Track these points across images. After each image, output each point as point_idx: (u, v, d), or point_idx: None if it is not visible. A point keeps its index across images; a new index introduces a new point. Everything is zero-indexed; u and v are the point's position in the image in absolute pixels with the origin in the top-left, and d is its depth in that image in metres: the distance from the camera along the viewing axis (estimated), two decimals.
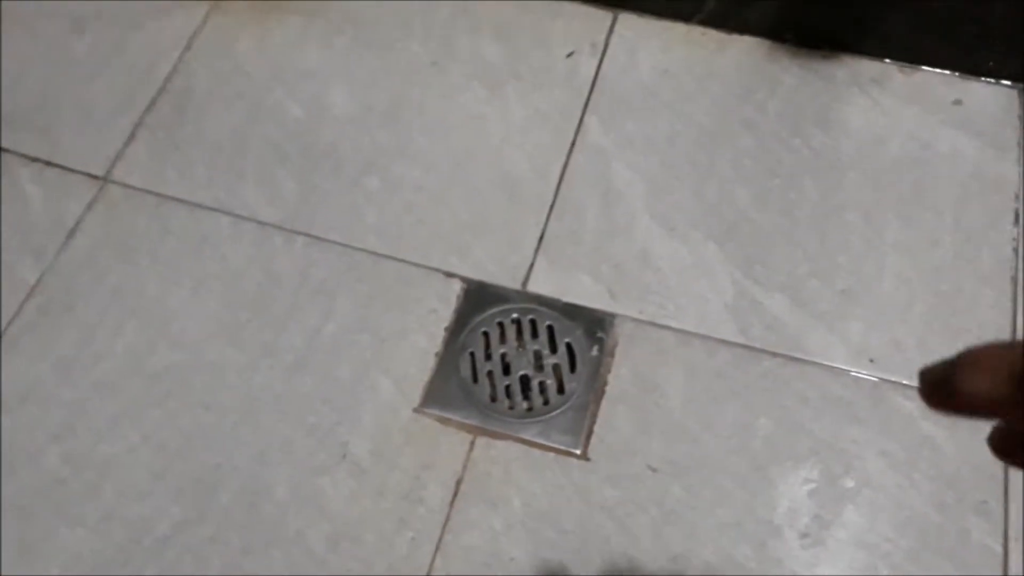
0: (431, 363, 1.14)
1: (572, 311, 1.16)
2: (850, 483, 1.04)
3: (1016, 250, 1.17)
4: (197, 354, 1.15)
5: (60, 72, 1.38)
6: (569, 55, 1.36)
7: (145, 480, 1.08)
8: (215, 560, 1.03)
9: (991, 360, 0.25)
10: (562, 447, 1.07)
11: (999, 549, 1.00)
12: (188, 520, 1.05)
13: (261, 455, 1.09)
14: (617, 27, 1.38)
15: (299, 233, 1.23)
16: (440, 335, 1.15)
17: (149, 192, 1.27)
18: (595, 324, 1.15)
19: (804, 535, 1.01)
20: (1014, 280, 1.15)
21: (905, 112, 1.28)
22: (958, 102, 1.29)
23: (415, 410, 1.10)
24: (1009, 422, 0.27)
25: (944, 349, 1.06)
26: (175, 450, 1.09)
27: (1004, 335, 1.12)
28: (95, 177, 1.29)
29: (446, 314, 1.17)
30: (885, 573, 0.99)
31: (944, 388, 0.27)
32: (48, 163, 1.30)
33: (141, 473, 1.08)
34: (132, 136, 1.32)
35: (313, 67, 1.38)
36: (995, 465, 1.03)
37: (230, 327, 1.17)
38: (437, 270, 1.20)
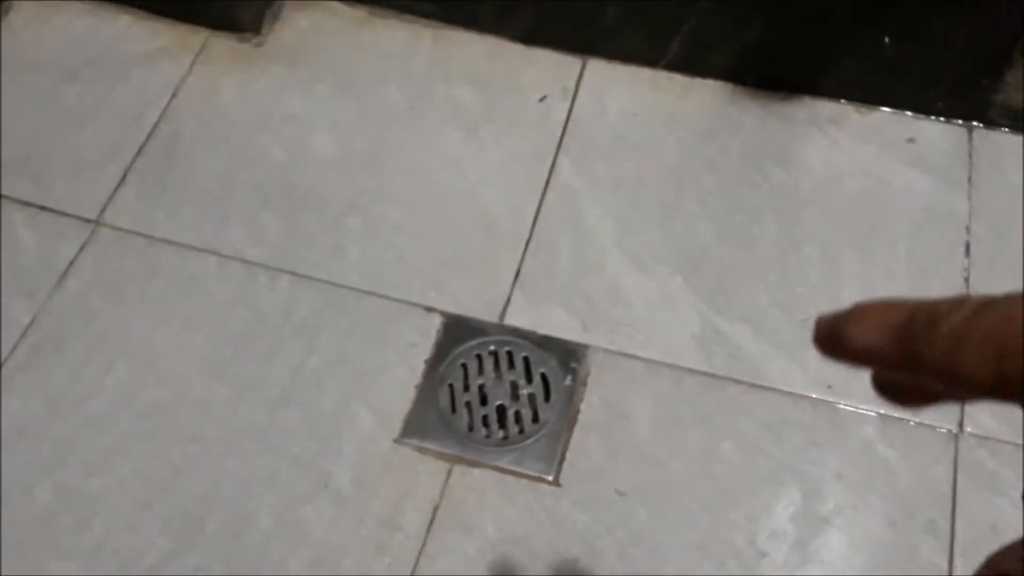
0: (411, 395, 1.18)
1: (547, 343, 1.22)
2: (807, 504, 1.09)
3: (967, 279, 1.23)
4: (184, 390, 1.20)
5: (52, 120, 1.44)
6: (541, 99, 1.42)
7: (134, 512, 1.12)
8: None
9: (877, 314, 0.26)
10: (535, 474, 1.12)
11: (945, 566, 1.05)
12: (176, 550, 1.09)
13: (246, 486, 1.13)
14: (587, 72, 1.45)
15: (283, 271, 1.29)
16: (420, 367, 1.20)
17: (139, 234, 1.33)
18: (568, 355, 1.20)
19: (763, 554, 1.06)
20: None
21: (861, 150, 1.35)
22: (911, 140, 1.35)
23: (395, 440, 1.15)
24: (893, 373, 0.28)
25: None
26: (163, 482, 1.14)
27: None
28: (87, 220, 1.34)
29: (426, 347, 1.22)
30: None
31: (832, 338, 0.27)
32: (41, 208, 1.35)
33: (130, 505, 1.12)
34: (122, 180, 1.37)
35: (295, 112, 1.44)
36: (945, 484, 1.08)
37: (216, 363, 1.22)
38: (417, 305, 1.25)
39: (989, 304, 0.22)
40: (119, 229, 1.33)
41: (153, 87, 1.47)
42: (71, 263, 1.30)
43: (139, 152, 1.40)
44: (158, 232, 1.33)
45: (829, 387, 1.16)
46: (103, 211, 1.35)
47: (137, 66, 1.49)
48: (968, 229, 1.27)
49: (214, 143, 1.41)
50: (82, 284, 1.28)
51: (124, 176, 1.38)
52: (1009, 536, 0.99)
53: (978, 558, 0.96)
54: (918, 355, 0.24)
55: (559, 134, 1.39)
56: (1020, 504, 1.07)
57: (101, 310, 1.26)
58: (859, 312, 0.27)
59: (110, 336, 1.24)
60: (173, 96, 1.46)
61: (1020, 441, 1.10)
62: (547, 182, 1.35)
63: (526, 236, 1.30)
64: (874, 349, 0.26)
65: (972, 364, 0.22)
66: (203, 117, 1.44)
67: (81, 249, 1.31)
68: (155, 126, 1.43)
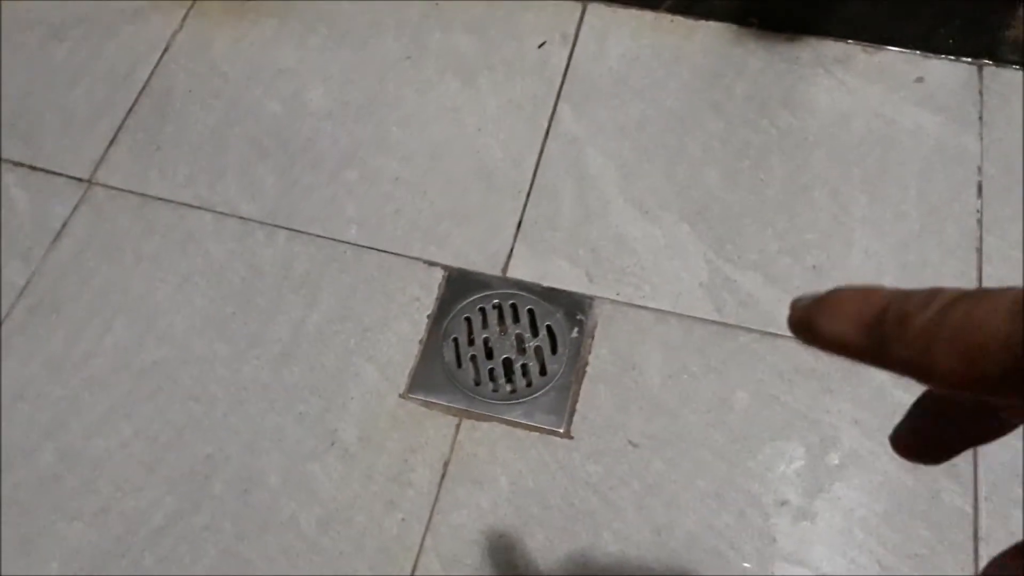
0: (415, 350, 1.16)
1: (552, 295, 1.19)
2: (825, 452, 1.07)
3: (979, 221, 1.21)
4: (185, 348, 1.18)
5: (41, 79, 1.40)
6: (540, 46, 1.39)
7: (139, 473, 1.10)
8: (210, 548, 1.06)
9: (850, 304, 0.25)
10: (546, 426, 1.10)
11: (969, 510, 1.04)
12: (183, 510, 1.08)
13: (252, 444, 1.11)
14: (587, 17, 1.41)
15: (281, 227, 1.26)
16: (423, 322, 1.18)
17: (132, 192, 1.30)
18: (574, 307, 1.18)
19: (782, 503, 1.05)
20: (978, 251, 1.19)
21: (869, 91, 1.32)
22: (920, 80, 1.32)
23: (401, 396, 1.13)
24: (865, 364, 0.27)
25: None
26: (167, 442, 1.12)
27: None
28: (79, 180, 1.31)
29: (428, 302, 1.20)
30: (860, 536, 1.03)
31: (805, 325, 0.27)
32: (32, 168, 1.32)
33: (134, 466, 1.11)
34: (114, 139, 1.34)
35: (289, 65, 1.40)
36: None
37: (216, 321, 1.19)
38: (418, 259, 1.23)
39: (960, 299, 0.22)
40: (112, 188, 1.30)
41: (143, 43, 1.43)
42: (65, 223, 1.27)
43: (131, 109, 1.37)
44: (152, 190, 1.30)
45: None
46: (96, 170, 1.32)
47: (127, 22, 1.45)
48: (980, 169, 1.25)
49: (207, 98, 1.38)
50: (77, 244, 1.26)
51: (116, 134, 1.35)
52: None
53: (1003, 503, 0.95)
54: (888, 350, 0.24)
55: (559, 81, 1.36)
56: None
57: (97, 270, 1.24)
58: (833, 301, 0.26)
59: (107, 296, 1.22)
60: (164, 52, 1.42)
61: None
62: (547, 130, 1.32)
63: (527, 186, 1.27)
64: (845, 341, 0.25)
65: (942, 361, 0.22)
66: (195, 72, 1.40)
67: (75, 209, 1.28)
68: (146, 83, 1.39)
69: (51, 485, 1.10)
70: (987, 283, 1.16)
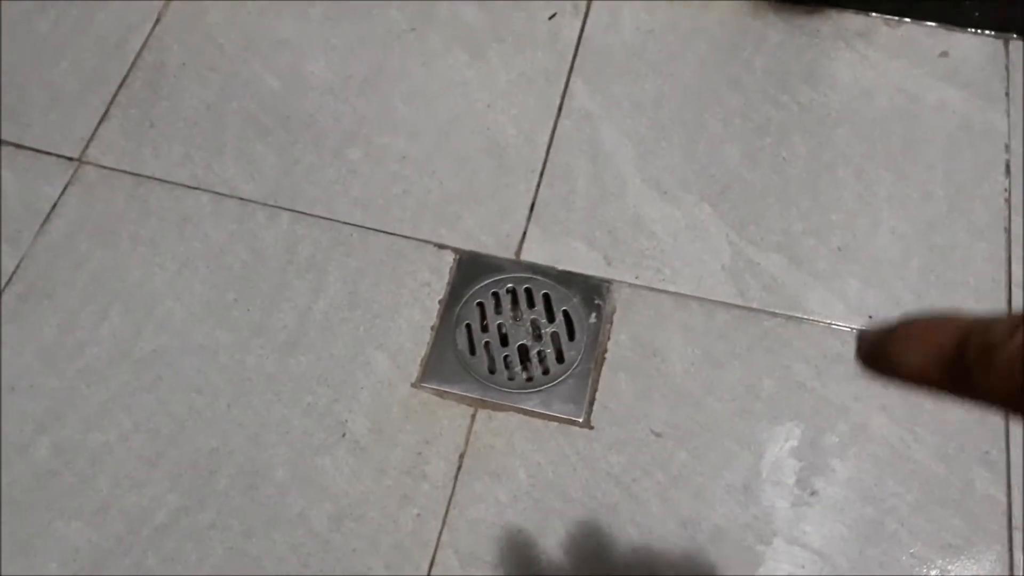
0: (427, 337, 1.12)
1: (568, 278, 1.15)
2: (854, 439, 1.04)
3: (1008, 200, 1.17)
4: (185, 337, 1.13)
5: (25, 52, 1.34)
6: (551, 17, 1.33)
7: (140, 468, 1.05)
8: (217, 545, 1.01)
9: (924, 334, 0.25)
10: (564, 416, 1.06)
11: (1003, 498, 1.01)
12: (187, 507, 1.03)
13: (257, 437, 1.06)
14: None
15: (283, 208, 1.20)
16: (434, 308, 1.13)
17: (126, 172, 1.24)
18: (592, 291, 1.14)
19: (813, 492, 1.01)
20: (1007, 231, 1.15)
21: (892, 65, 1.27)
22: (944, 54, 1.28)
23: (413, 385, 1.09)
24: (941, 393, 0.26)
25: (941, 303, 1.06)
26: (169, 436, 1.07)
27: (999, 287, 1.12)
28: (69, 159, 1.25)
29: (439, 286, 1.15)
30: (892, 526, 0.99)
31: (878, 359, 0.26)
32: (19, 146, 1.25)
33: (135, 461, 1.06)
34: (105, 115, 1.28)
35: (288, 37, 1.34)
36: (996, 416, 1.03)
37: (218, 308, 1.14)
38: (428, 242, 1.18)
39: None
40: (104, 167, 1.24)
41: (134, 13, 1.36)
42: (55, 204, 1.21)
43: (122, 84, 1.30)
44: (146, 169, 1.24)
45: (870, 317, 1.10)
46: (86, 148, 1.25)
47: None
48: (1007, 147, 1.21)
49: (202, 71, 1.31)
50: (68, 226, 1.20)
51: (107, 110, 1.28)
52: None
53: None
54: (972, 381, 0.23)
55: (571, 54, 1.30)
56: None
57: (91, 254, 1.18)
58: (906, 333, 0.25)
59: (102, 281, 1.16)
60: (156, 22, 1.35)
61: None
62: (560, 106, 1.26)
63: (540, 165, 1.22)
64: (925, 374, 0.25)
65: None
66: (189, 44, 1.34)
67: (64, 189, 1.22)
68: (138, 55, 1.33)
69: (47, 482, 1.05)
70: (1015, 265, 1.13)
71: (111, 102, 1.29)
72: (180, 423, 1.07)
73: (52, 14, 1.36)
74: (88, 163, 1.24)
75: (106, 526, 1.02)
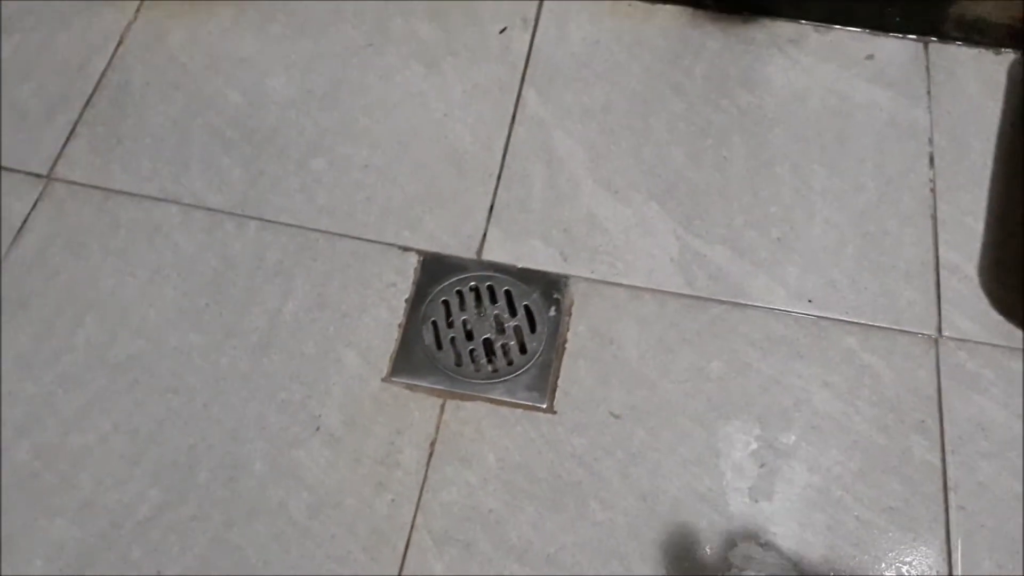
0: (395, 334, 1.17)
1: (527, 275, 1.21)
2: (799, 414, 1.11)
3: (933, 190, 1.26)
4: (159, 341, 1.17)
5: None
6: (502, 31, 1.40)
7: (121, 467, 1.09)
8: (200, 537, 1.05)
9: None
10: (528, 403, 1.12)
11: (938, 463, 1.08)
12: (168, 502, 1.07)
13: (235, 433, 1.11)
14: (546, 1, 1.43)
15: (250, 217, 1.25)
16: (401, 307, 1.19)
17: (95, 187, 1.27)
18: (550, 286, 1.20)
19: (762, 464, 1.08)
20: (933, 217, 1.24)
21: (822, 69, 1.36)
22: (870, 57, 1.37)
23: (383, 380, 1.14)
24: None
25: (875, 286, 1.14)
26: (148, 435, 1.11)
27: (928, 269, 1.20)
28: (38, 176, 1.28)
29: (405, 287, 1.20)
30: (837, 493, 1.06)
31: None
32: None
33: (116, 460, 1.09)
34: (72, 133, 1.32)
35: (249, 55, 1.39)
36: (929, 387, 1.12)
37: (190, 313, 1.18)
38: (392, 245, 1.23)
39: None
40: (73, 183, 1.28)
41: (97, 34, 1.40)
42: (25, 220, 1.25)
43: (88, 103, 1.34)
44: (115, 184, 1.28)
45: (810, 301, 1.17)
46: (54, 165, 1.29)
47: (78, 13, 1.42)
48: (931, 140, 1.30)
49: (166, 90, 1.36)
50: (40, 240, 1.23)
51: (74, 128, 1.32)
52: (996, 433, 1.03)
53: (968, 454, 1.01)
54: None
55: (523, 65, 1.37)
56: (1003, 402, 1.10)
57: (63, 266, 1.21)
58: None
59: (75, 292, 1.20)
60: (119, 43, 1.40)
61: (996, 342, 1.14)
62: (514, 114, 1.33)
63: (497, 169, 1.29)
64: None
65: None
66: (153, 63, 1.38)
67: (34, 205, 1.26)
68: (102, 75, 1.37)
69: (29, 483, 1.08)
70: (943, 249, 1.21)
71: (78, 120, 1.33)
72: (158, 423, 1.11)
73: (16, 37, 1.40)
74: (57, 179, 1.28)
75: (90, 522, 1.06)
